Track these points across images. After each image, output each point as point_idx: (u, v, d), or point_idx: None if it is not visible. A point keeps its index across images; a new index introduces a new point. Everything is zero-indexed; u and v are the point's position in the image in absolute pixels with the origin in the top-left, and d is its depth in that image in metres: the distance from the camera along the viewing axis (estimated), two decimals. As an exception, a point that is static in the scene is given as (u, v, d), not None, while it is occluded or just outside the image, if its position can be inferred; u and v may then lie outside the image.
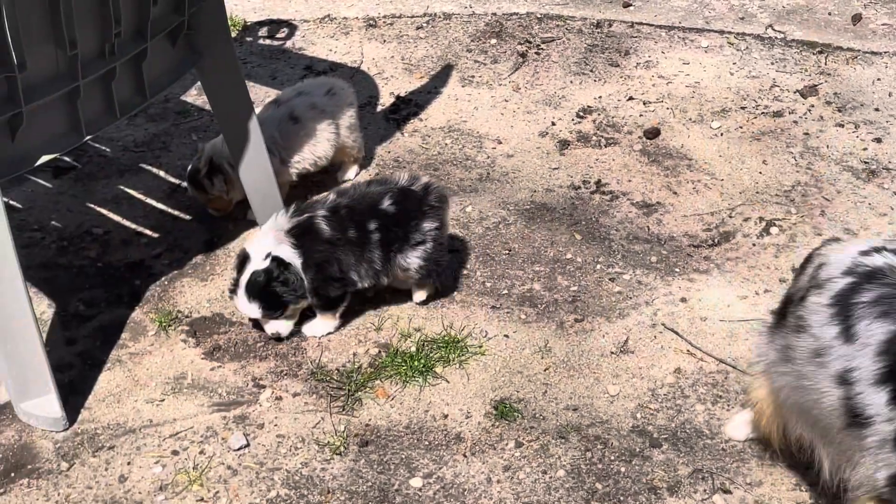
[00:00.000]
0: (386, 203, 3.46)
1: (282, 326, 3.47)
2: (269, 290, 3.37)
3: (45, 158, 3.10)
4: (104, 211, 4.08)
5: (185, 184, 4.05)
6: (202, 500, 2.96)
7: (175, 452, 3.10)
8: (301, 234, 3.40)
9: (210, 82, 3.65)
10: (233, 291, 3.45)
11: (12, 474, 3.05)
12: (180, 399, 3.29)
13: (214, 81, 3.63)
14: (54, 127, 3.11)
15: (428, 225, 3.48)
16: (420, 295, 3.60)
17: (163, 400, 3.28)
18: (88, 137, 3.18)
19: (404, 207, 3.47)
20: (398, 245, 3.46)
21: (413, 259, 3.48)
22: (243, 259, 3.43)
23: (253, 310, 3.41)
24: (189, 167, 3.96)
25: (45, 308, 3.63)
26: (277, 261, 3.37)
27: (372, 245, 3.44)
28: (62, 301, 3.66)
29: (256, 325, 3.52)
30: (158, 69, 3.37)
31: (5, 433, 3.18)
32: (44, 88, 2.97)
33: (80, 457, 3.10)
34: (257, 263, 3.38)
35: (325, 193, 3.60)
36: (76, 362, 3.43)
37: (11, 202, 4.11)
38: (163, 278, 3.75)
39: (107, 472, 3.05)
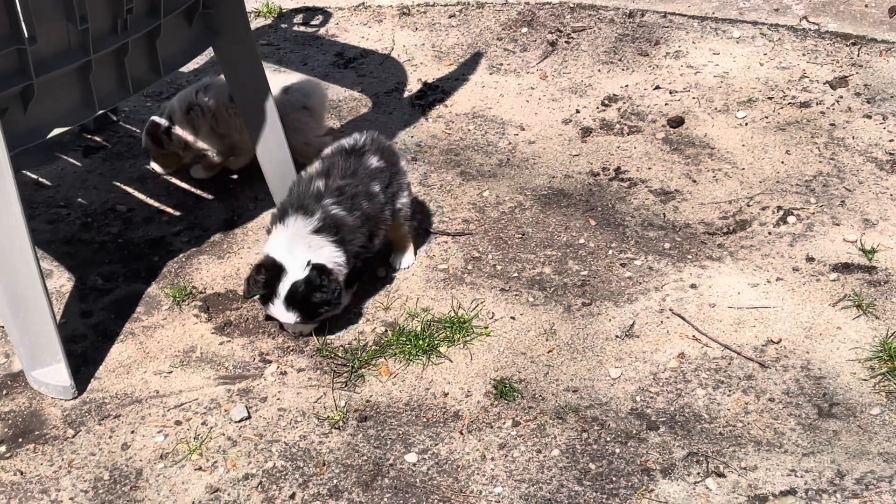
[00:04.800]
0: (374, 161, 3.54)
1: (306, 328, 3.46)
2: (311, 300, 3.34)
3: (57, 131, 3.17)
4: (129, 189, 4.17)
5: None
6: (200, 468, 3.01)
7: (178, 423, 3.16)
8: (335, 231, 3.37)
9: (227, 62, 3.70)
10: (267, 299, 3.36)
11: (20, 439, 3.13)
12: (188, 371, 3.34)
13: (232, 61, 3.69)
14: (67, 100, 3.18)
15: (403, 164, 3.65)
16: (408, 255, 3.73)
17: (171, 372, 3.35)
18: (101, 111, 3.25)
19: (387, 159, 3.59)
20: (396, 193, 3.59)
21: (405, 198, 3.63)
22: (277, 270, 3.34)
23: (290, 318, 3.37)
24: (148, 123, 4.06)
25: (65, 281, 3.71)
26: (319, 269, 3.33)
27: (384, 206, 3.53)
28: (81, 275, 3.74)
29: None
30: (174, 47, 3.43)
31: (17, 400, 3.26)
32: (55, 62, 3.05)
33: (87, 424, 3.17)
34: (296, 273, 3.33)
35: (302, 174, 3.59)
36: (90, 334, 3.50)
37: (41, 179, 4.22)
38: (181, 255, 3.82)
39: (111, 439, 3.12)
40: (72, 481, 3.00)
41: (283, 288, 3.32)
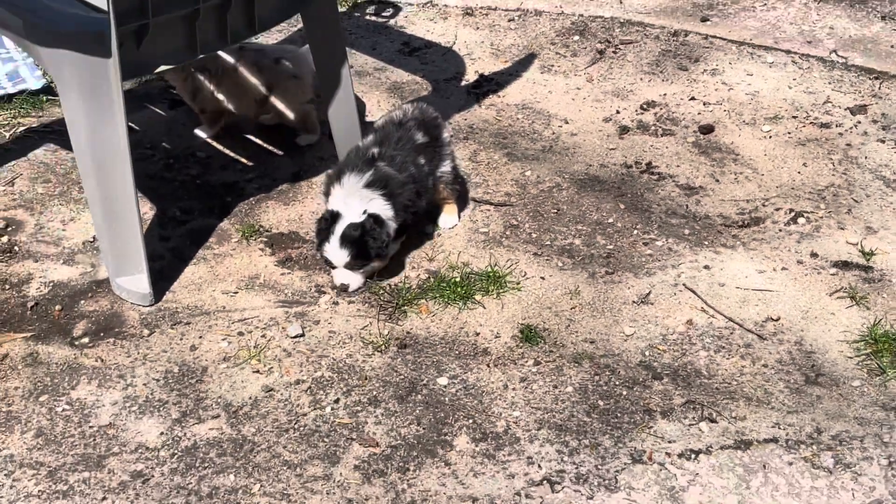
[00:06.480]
0: (419, 137, 3.96)
1: (353, 279, 3.80)
2: (362, 241, 3.71)
3: (163, 68, 3.62)
4: (209, 139, 4.63)
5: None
6: (258, 371, 3.44)
7: (241, 334, 3.60)
8: (384, 185, 3.80)
9: (312, 28, 4.15)
10: (323, 240, 3.75)
11: (101, 334, 3.58)
12: (251, 294, 3.78)
13: (316, 28, 4.14)
14: (174, 42, 3.61)
15: (445, 136, 4.08)
16: (451, 216, 4.15)
17: (236, 293, 3.78)
18: (201, 56, 3.70)
19: (430, 133, 4.01)
20: (437, 163, 4.02)
21: (447, 166, 4.05)
22: (334, 217, 3.75)
23: (343, 256, 3.72)
24: None
25: (148, 210, 4.16)
26: (374, 217, 3.74)
27: (427, 175, 3.96)
28: (162, 207, 4.19)
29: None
30: (269, 7, 3.86)
31: (101, 302, 3.71)
32: (169, 6, 3.49)
33: (160, 327, 3.61)
34: (352, 218, 3.73)
35: (359, 144, 4.02)
36: (167, 255, 3.95)
37: (131, 124, 4.66)
38: (251, 198, 4.27)
39: (181, 341, 3.56)
40: (146, 371, 3.44)
41: (339, 229, 3.72)
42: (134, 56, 3.52)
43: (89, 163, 3.58)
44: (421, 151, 3.96)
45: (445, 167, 4.05)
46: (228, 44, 3.78)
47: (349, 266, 3.77)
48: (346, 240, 3.72)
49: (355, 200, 3.76)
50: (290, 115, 4.54)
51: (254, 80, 4.43)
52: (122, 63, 3.40)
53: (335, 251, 3.75)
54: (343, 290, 3.81)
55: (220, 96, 4.43)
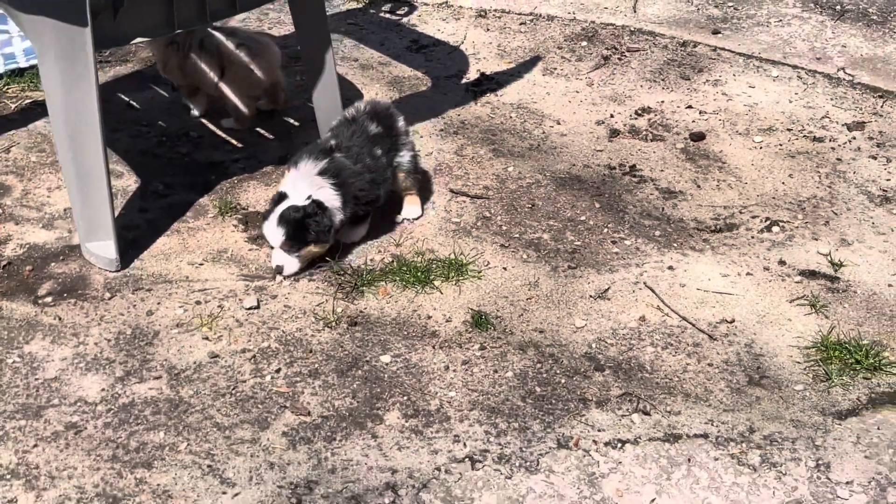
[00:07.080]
0: (373, 129, 4.02)
1: (289, 263, 3.84)
2: (300, 223, 3.77)
3: (138, 40, 3.74)
4: (204, 121, 4.75)
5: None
6: (207, 339, 3.53)
7: (198, 302, 3.69)
8: (336, 174, 3.86)
9: (297, 13, 4.25)
10: (264, 219, 3.82)
11: (65, 294, 3.69)
12: (216, 266, 3.87)
13: (301, 13, 4.23)
14: (152, 16, 3.72)
15: (401, 125, 4.13)
16: (414, 206, 4.20)
17: (202, 264, 3.88)
18: (179, 32, 3.81)
19: (384, 124, 4.07)
20: (395, 152, 4.07)
21: (405, 156, 4.10)
22: (281, 197, 3.83)
23: (277, 235, 3.78)
24: None
25: (132, 183, 4.29)
26: (317, 203, 3.80)
27: (385, 165, 4.02)
28: (147, 180, 4.32)
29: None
30: (252, -12, 3.99)
31: (70, 265, 3.83)
32: (145, -20, 3.63)
33: (122, 292, 3.72)
34: (295, 201, 3.79)
35: (318, 142, 4.11)
36: (143, 226, 4.06)
37: (132, 102, 4.83)
38: (234, 178, 4.37)
39: (139, 306, 3.66)
40: (100, 331, 3.54)
41: (279, 208, 3.79)
42: (110, 27, 3.64)
43: (63, 129, 3.70)
44: (377, 142, 4.02)
45: (403, 157, 4.11)
46: (208, 22, 3.88)
47: (284, 247, 3.81)
48: (283, 220, 3.77)
49: (304, 185, 3.82)
50: (233, 99, 4.61)
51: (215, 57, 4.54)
52: (98, 33, 3.53)
53: (271, 229, 3.80)
54: (278, 272, 3.85)
55: (194, 66, 4.55)
